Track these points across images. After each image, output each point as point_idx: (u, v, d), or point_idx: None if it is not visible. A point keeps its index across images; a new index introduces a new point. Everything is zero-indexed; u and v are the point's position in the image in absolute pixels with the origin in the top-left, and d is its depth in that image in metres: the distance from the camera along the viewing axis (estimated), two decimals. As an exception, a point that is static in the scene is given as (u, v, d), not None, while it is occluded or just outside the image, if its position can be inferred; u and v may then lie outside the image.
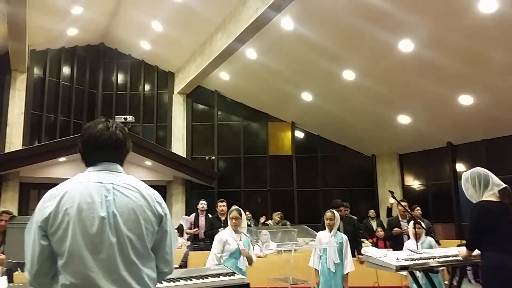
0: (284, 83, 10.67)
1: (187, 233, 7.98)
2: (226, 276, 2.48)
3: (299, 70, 10.05)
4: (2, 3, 8.18)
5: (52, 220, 1.48)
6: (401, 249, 6.00)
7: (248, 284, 2.50)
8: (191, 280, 2.38)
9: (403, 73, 8.61)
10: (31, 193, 11.06)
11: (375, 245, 8.57)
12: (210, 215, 7.88)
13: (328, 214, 4.80)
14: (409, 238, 6.30)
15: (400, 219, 6.54)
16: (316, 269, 4.60)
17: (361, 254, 5.92)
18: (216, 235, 4.11)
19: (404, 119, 10.21)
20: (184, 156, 12.51)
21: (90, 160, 1.68)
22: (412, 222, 4.88)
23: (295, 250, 3.80)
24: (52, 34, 11.67)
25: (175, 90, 13.30)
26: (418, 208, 6.92)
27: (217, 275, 2.48)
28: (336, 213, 4.88)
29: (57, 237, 1.47)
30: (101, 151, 1.65)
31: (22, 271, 2.88)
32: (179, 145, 12.81)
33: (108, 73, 13.71)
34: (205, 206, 7.91)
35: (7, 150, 10.39)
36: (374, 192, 12.46)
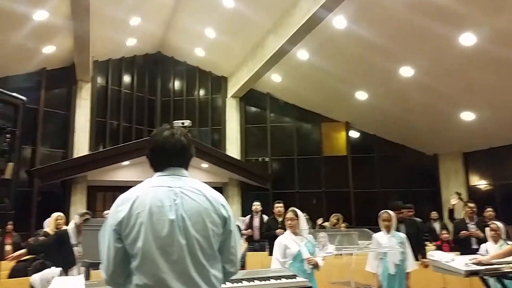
0: (337, 83, 10.48)
1: (242, 234, 8.10)
2: (288, 279, 2.48)
3: (353, 69, 9.83)
4: (69, 19, 8.79)
5: (125, 223, 1.57)
6: (468, 253, 5.70)
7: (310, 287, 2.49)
8: (254, 281, 2.41)
9: (465, 68, 8.13)
10: (97, 195, 11.73)
11: (440, 248, 8.17)
12: (265, 216, 7.95)
13: (384, 215, 4.62)
14: (478, 241, 5.96)
15: (467, 221, 6.20)
16: (374, 273, 4.45)
17: (425, 258, 5.69)
18: (276, 240, 4.04)
19: (468, 116, 9.63)
20: (239, 158, 12.69)
21: (158, 165, 1.77)
22: (488, 224, 4.57)
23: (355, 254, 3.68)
24: (113, 45, 12.35)
25: (228, 94, 13.54)
26: (490, 209, 6.49)
27: (279, 277, 2.49)
28: (392, 213, 4.69)
29: (130, 240, 1.56)
30: (168, 157, 1.74)
31: (97, 269, 3.07)
32: (233, 148, 13.03)
33: (166, 80, 14.26)
34: (259, 207, 7.98)
35: (75, 156, 11.11)
36: (437, 193, 11.85)
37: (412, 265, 4.45)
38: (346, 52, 9.25)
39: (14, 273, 4.58)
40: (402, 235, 4.63)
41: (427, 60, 8.48)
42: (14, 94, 1.32)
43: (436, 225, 9.53)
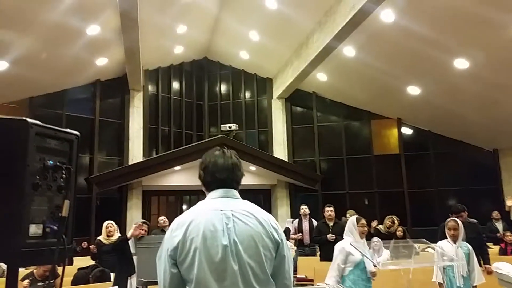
0: (386, 78, 10.13)
1: (291, 239, 8.04)
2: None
3: (403, 63, 9.45)
4: (119, 32, 9.18)
5: (180, 249, 1.59)
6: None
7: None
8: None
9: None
10: (152, 199, 12.18)
11: (504, 251, 7.69)
12: (313, 220, 7.84)
13: (451, 223, 4.30)
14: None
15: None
16: (440, 283, 4.19)
17: (488, 264, 5.35)
18: (338, 246, 3.94)
19: (531, 108, 8.97)
20: (286, 159, 12.62)
21: (210, 185, 1.80)
22: None
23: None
24: (162, 54, 12.75)
25: (273, 95, 13.52)
26: None
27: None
28: (459, 221, 4.40)
29: (185, 265, 1.57)
30: (220, 175, 1.77)
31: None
32: (280, 149, 12.98)
33: (212, 85, 14.50)
34: (307, 211, 7.89)
35: (130, 162, 11.59)
36: (498, 190, 11.12)
37: (480, 277, 4.14)
38: (395, 46, 8.92)
39: (76, 280, 4.83)
40: (468, 245, 4.32)
41: (483, 51, 7.99)
42: (68, 130, 1.36)
43: (499, 226, 8.98)
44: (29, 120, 1.26)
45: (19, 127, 1.24)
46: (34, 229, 1.19)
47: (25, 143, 1.21)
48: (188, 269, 1.56)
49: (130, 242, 4.47)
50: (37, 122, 1.27)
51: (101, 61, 10.82)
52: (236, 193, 1.78)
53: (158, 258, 1.65)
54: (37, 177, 1.23)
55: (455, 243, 4.21)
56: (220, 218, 1.63)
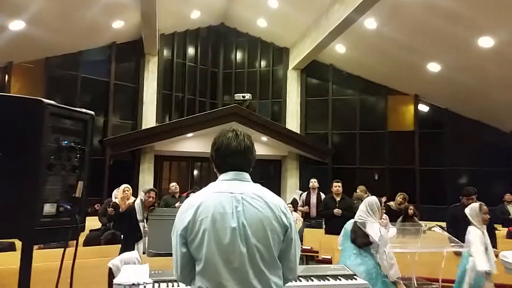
0: (407, 54, 9.86)
1: (299, 211, 8.13)
2: (347, 279, 2.45)
3: (425, 39, 9.16)
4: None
5: (190, 229, 1.63)
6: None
7: (370, 290, 2.44)
8: (312, 280, 2.41)
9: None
10: (164, 164, 12.35)
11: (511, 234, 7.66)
12: (322, 194, 7.88)
13: (485, 208, 4.13)
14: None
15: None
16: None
17: (495, 248, 5.35)
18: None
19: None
20: (298, 131, 12.57)
21: (221, 167, 1.81)
22: None
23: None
24: (178, 18, 12.55)
25: (290, 66, 13.30)
26: None
27: (338, 277, 2.47)
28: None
29: (195, 245, 1.62)
30: (232, 158, 1.77)
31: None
32: (293, 121, 12.91)
33: (228, 52, 14.30)
34: (316, 184, 7.93)
35: (143, 127, 11.69)
36: (512, 173, 10.98)
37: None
38: (418, 21, 8.63)
39: (88, 241, 5.01)
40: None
41: (509, 30, 7.68)
42: (83, 110, 1.37)
43: (510, 208, 8.93)
44: (44, 100, 1.26)
45: (34, 107, 1.24)
46: (49, 208, 1.22)
47: (40, 123, 1.22)
48: (198, 249, 1.61)
49: (136, 208, 4.58)
50: (52, 102, 1.28)
51: (118, 24, 10.71)
52: (247, 176, 1.78)
53: (173, 233, 1.71)
54: (52, 157, 1.25)
55: (485, 228, 4.11)
56: (229, 200, 1.65)
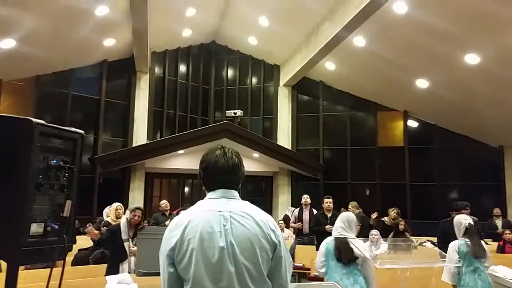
0: (395, 71, 10.04)
1: (291, 227, 8.09)
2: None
3: (413, 56, 9.34)
4: (128, 13, 9.11)
5: (178, 249, 1.61)
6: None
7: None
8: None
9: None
10: (154, 181, 12.27)
11: (502, 249, 7.70)
12: (314, 210, 7.88)
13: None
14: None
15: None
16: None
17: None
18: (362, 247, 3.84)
19: (540, 106, 8.89)
20: (289, 147, 12.63)
21: (209, 185, 1.80)
22: None
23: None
24: (170, 36, 12.66)
25: (280, 82, 13.44)
26: None
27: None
28: None
29: (182, 265, 1.60)
30: (220, 176, 1.76)
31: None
32: (284, 137, 12.97)
33: (219, 70, 14.42)
34: (308, 200, 7.91)
35: (134, 144, 11.64)
36: (501, 187, 11.11)
37: None
38: (406, 39, 8.81)
39: (76, 261, 4.92)
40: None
41: (494, 47, 7.89)
42: (73, 129, 1.37)
43: (499, 223, 8.98)
44: (34, 120, 1.27)
45: (23, 127, 1.24)
46: (35, 228, 1.22)
47: (29, 142, 1.23)
48: (185, 269, 1.59)
49: (122, 227, 4.54)
50: (42, 121, 1.28)
51: (109, 42, 10.76)
52: (235, 193, 1.78)
53: (160, 253, 1.69)
54: (40, 176, 1.25)
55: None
56: (218, 219, 1.64)
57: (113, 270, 4.16)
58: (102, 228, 5.68)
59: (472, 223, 4.06)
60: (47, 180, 1.28)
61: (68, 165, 1.33)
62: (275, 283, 1.69)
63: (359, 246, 3.58)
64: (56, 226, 1.27)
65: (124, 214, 6.04)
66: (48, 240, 1.26)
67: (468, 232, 3.94)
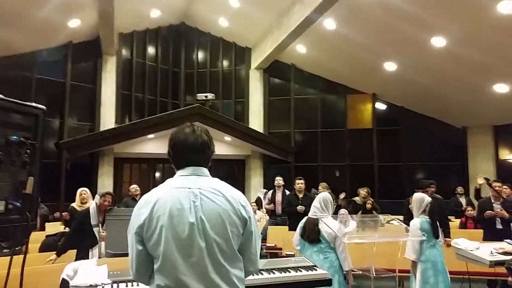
0: (365, 53, 10.17)
1: (265, 209, 8.18)
2: (307, 270, 2.50)
3: (382, 39, 9.49)
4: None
5: (147, 226, 1.60)
6: (492, 233, 5.58)
7: (330, 280, 2.50)
8: (274, 273, 2.43)
9: (501, 38, 7.72)
10: (124, 166, 12.06)
11: (464, 225, 8.06)
12: (287, 191, 7.98)
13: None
14: (502, 221, 5.82)
15: (493, 200, 6.01)
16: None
17: (449, 237, 5.63)
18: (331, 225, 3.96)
19: (501, 88, 9.26)
20: (261, 130, 12.66)
21: (179, 163, 1.78)
22: None
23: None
24: (137, 17, 12.30)
25: (252, 65, 13.37)
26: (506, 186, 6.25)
27: (299, 269, 2.51)
28: None
29: (152, 242, 1.59)
30: (190, 154, 1.75)
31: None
32: (256, 120, 12.99)
33: (189, 52, 14.17)
34: (281, 182, 7.99)
35: (101, 129, 11.35)
36: (464, 166, 11.60)
37: None
38: (375, 22, 8.92)
39: (44, 247, 4.81)
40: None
41: (461, 30, 8.11)
42: (34, 104, 1.32)
43: (462, 200, 9.36)
44: (-10, 93, 1.21)
45: (-21, 101, 1.18)
46: (-4, 206, 1.17)
47: (-14, 117, 1.17)
48: (155, 246, 1.58)
49: (91, 212, 4.45)
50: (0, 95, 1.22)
51: (74, 23, 10.34)
52: (205, 170, 1.78)
53: (128, 231, 1.67)
54: (0, 152, 1.20)
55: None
56: (187, 196, 1.63)
57: (82, 255, 4.09)
58: (63, 213, 5.54)
59: (431, 202, 4.23)
60: (7, 156, 1.23)
61: (29, 141, 1.28)
62: (246, 257, 1.71)
63: (331, 224, 3.68)
64: (18, 204, 1.23)
65: (94, 199, 5.91)
66: (10, 218, 1.21)
67: (429, 210, 4.10)
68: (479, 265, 3.25)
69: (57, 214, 6.55)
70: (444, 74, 9.61)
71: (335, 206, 4.28)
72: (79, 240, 4.28)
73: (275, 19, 11.05)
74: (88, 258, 4.02)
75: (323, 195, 4.10)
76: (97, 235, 4.35)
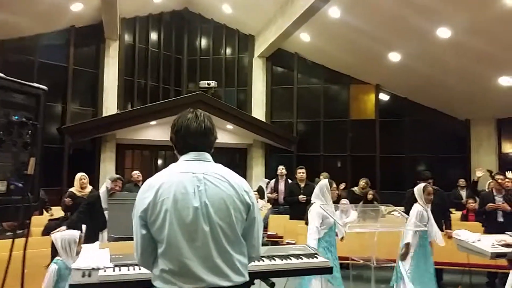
0: (369, 43, 10.07)
1: (267, 198, 8.21)
2: (308, 258, 2.50)
3: (387, 29, 9.38)
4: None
5: (151, 210, 1.60)
6: (494, 226, 5.59)
7: (331, 268, 2.50)
8: (275, 260, 2.44)
9: (508, 28, 7.63)
10: (126, 153, 12.05)
11: (465, 217, 8.07)
12: (290, 181, 8.00)
13: (429, 188, 4.47)
14: (504, 214, 5.82)
15: (495, 193, 6.02)
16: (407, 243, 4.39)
17: (450, 229, 5.64)
18: (313, 208, 4.04)
19: (506, 81, 9.18)
20: (264, 119, 12.62)
21: (182, 148, 1.79)
22: None
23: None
24: (140, 2, 12.18)
25: (255, 53, 13.26)
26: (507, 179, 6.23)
27: (300, 256, 2.51)
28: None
29: (156, 226, 1.59)
30: (192, 139, 1.75)
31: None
32: (259, 109, 12.94)
33: (192, 39, 14.05)
34: (284, 171, 8.03)
35: (104, 114, 11.33)
36: (466, 159, 11.57)
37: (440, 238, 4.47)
38: (380, 11, 8.82)
39: (47, 231, 4.84)
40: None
41: (467, 21, 8.00)
42: (36, 84, 1.30)
43: (463, 193, 9.35)
44: (-8, 72, 1.19)
45: (-20, 79, 1.16)
46: (-2, 186, 1.16)
47: (-13, 96, 1.15)
48: (159, 230, 1.59)
49: (102, 196, 4.45)
50: (1, 74, 1.20)
51: (76, 7, 10.24)
52: (208, 156, 1.78)
53: (133, 215, 1.67)
54: (1, 132, 1.18)
55: (429, 207, 4.45)
56: (191, 180, 1.64)
57: (92, 238, 4.12)
58: (65, 199, 5.56)
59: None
60: (9, 136, 1.21)
61: (31, 121, 1.27)
62: (248, 243, 1.73)
63: (312, 210, 3.89)
64: (20, 185, 1.22)
65: (93, 185, 5.92)
66: (12, 199, 1.20)
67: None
68: (480, 257, 3.25)
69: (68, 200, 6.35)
70: (449, 65, 9.53)
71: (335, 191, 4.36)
72: (89, 222, 4.31)
73: (279, 6, 10.94)
74: (98, 240, 4.05)
75: (321, 183, 4.21)
76: (107, 218, 4.38)
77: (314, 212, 3.95)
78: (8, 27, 9.28)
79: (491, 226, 5.68)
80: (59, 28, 10.81)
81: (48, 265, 2.98)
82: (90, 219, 4.31)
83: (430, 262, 4.24)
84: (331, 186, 4.07)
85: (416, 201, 4.42)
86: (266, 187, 8.66)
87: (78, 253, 2.84)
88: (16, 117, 1.23)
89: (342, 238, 4.07)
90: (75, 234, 2.99)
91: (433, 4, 7.86)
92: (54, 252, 3.00)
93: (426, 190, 4.32)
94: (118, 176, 4.71)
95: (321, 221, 3.90)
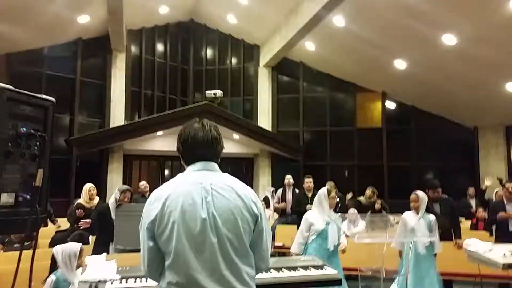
0: (374, 51, 10.07)
1: (275, 208, 8.15)
2: (317, 269, 2.46)
3: (392, 37, 9.38)
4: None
5: (158, 222, 1.58)
6: (505, 235, 5.49)
7: (340, 280, 2.45)
8: (283, 271, 2.40)
9: (514, 36, 7.60)
10: (133, 163, 12.09)
11: (475, 226, 7.96)
12: (297, 190, 7.93)
13: (411, 196, 4.60)
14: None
15: (506, 202, 5.92)
16: (400, 251, 4.46)
17: (459, 238, 5.55)
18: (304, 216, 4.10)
19: (514, 88, 9.11)
20: (270, 129, 12.62)
21: (189, 158, 1.77)
22: None
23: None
24: (146, 14, 12.31)
25: (260, 63, 13.32)
26: None
27: (308, 267, 2.48)
28: (421, 194, 4.62)
29: (163, 238, 1.57)
30: (200, 149, 1.74)
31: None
32: (264, 118, 12.95)
33: (198, 49, 14.16)
34: (291, 181, 7.95)
35: (111, 125, 11.39)
36: (475, 167, 11.43)
37: (438, 247, 4.43)
38: (385, 19, 8.82)
39: (54, 243, 4.83)
40: (432, 217, 4.53)
41: (472, 28, 7.98)
42: (43, 96, 1.30)
43: (473, 202, 9.24)
44: (1, 84, 1.19)
45: (-11, 92, 1.17)
46: (6, 198, 1.16)
47: (-4, 108, 1.15)
48: (167, 242, 1.57)
49: (111, 207, 4.45)
50: (9, 86, 1.21)
51: (83, 19, 10.38)
52: (215, 166, 1.76)
53: (140, 227, 1.66)
54: (9, 144, 1.18)
55: (417, 214, 4.48)
56: (199, 191, 1.62)
57: (101, 249, 4.11)
58: (77, 210, 5.56)
59: None
60: (17, 148, 1.21)
61: (39, 133, 1.26)
62: (257, 254, 1.70)
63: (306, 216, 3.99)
64: (28, 196, 1.21)
65: (101, 196, 5.92)
66: (19, 211, 1.20)
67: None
68: (491, 267, 3.18)
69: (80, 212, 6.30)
70: (455, 72, 9.49)
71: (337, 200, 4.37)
72: (98, 234, 4.30)
73: (283, 16, 11.00)
74: (108, 251, 4.04)
75: (320, 191, 4.22)
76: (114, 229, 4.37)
77: (303, 218, 4.04)
78: (16, 40, 9.42)
79: (502, 235, 5.58)
80: (66, 40, 10.95)
81: (45, 279, 2.96)
82: (100, 229, 4.30)
83: (425, 269, 4.27)
84: (329, 194, 4.05)
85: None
86: (272, 195, 8.60)
87: (78, 266, 2.83)
88: (24, 129, 1.23)
89: (343, 251, 4.03)
90: (76, 247, 2.98)
91: (437, 11, 7.85)
92: (53, 265, 2.99)
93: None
94: (127, 187, 4.70)
95: (307, 227, 3.93)
